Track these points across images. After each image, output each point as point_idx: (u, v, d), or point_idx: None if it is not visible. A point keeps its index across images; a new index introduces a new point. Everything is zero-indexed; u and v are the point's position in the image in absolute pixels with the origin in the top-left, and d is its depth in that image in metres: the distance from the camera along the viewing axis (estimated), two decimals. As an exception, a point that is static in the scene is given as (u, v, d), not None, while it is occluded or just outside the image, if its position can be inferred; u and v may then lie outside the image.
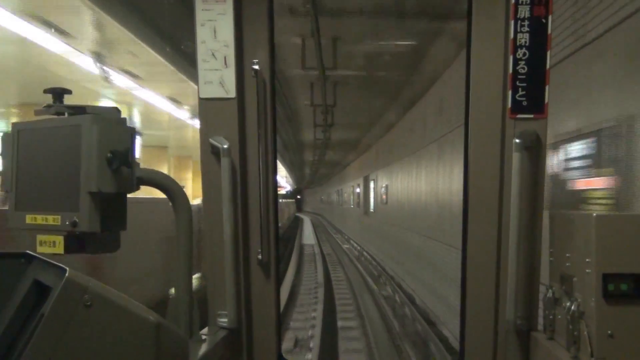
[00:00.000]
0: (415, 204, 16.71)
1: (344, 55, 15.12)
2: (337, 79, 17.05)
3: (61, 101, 3.08)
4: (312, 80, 17.20)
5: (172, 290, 3.80)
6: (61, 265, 2.35)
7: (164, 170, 29.46)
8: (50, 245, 3.05)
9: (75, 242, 3.03)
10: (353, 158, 26.08)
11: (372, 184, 22.70)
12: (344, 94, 18.12)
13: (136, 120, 24.26)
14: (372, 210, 22.94)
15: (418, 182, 16.76)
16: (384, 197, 21.99)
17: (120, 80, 17.66)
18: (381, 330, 14.26)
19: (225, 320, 4.02)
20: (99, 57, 15.27)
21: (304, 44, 13.98)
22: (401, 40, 13.56)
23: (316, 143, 25.47)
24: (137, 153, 3.30)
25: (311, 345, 13.47)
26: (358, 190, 25.46)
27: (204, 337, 3.88)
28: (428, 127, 15.63)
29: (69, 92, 3.11)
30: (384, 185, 21.87)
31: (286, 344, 13.06)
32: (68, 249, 3.02)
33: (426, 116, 16.12)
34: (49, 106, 3.08)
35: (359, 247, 23.83)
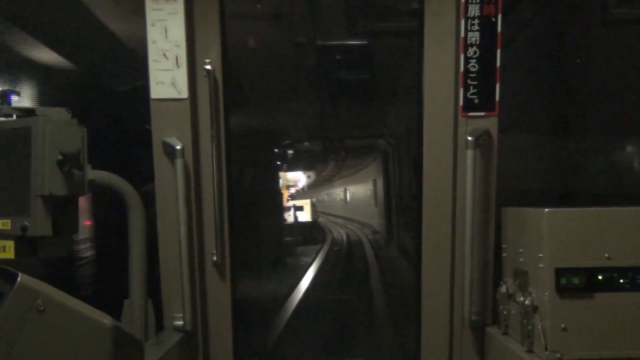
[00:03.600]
0: (362, 198, 29.74)
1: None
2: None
3: (9, 103, 3.01)
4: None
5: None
6: (13, 270, 2.31)
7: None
8: (0, 251, 2.98)
9: (26, 247, 2.97)
10: (337, 180, 41.11)
11: (347, 191, 39.20)
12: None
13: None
14: (347, 201, 39.17)
15: (361, 192, 30.78)
16: (352, 196, 36.45)
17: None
18: (352, 227, 31.90)
19: (181, 322, 3.98)
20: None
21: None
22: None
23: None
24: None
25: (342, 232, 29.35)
26: (341, 193, 42.18)
27: (159, 340, 3.84)
28: (364, 177, 27.45)
29: (17, 93, 3.05)
30: (351, 192, 36.72)
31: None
32: (19, 253, 2.96)
33: (364, 175, 27.97)
34: (-4, 109, 3.01)
35: (342, 216, 39.86)
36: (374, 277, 13.95)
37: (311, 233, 26.03)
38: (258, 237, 13.18)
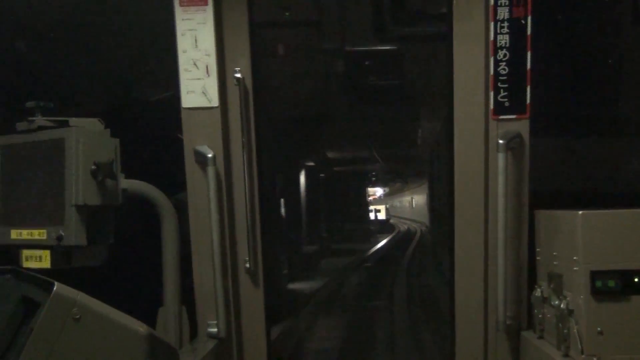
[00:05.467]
0: (422, 204, 35.24)
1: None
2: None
3: (44, 115, 3.06)
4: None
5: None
6: (49, 279, 2.34)
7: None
8: (37, 260, 3.02)
9: (62, 256, 3.01)
10: (406, 191, 48.67)
11: (413, 199, 46.38)
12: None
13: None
14: (413, 206, 46.47)
15: (421, 200, 36.63)
16: (416, 203, 43.38)
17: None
18: (414, 225, 41.16)
19: (215, 330, 4.00)
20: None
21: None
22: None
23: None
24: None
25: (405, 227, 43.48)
26: (409, 200, 49.92)
27: (194, 347, 3.86)
28: (424, 190, 31.85)
29: (50, 106, 3.10)
30: (416, 200, 43.88)
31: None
32: (54, 263, 3.00)
33: (424, 188, 32.46)
34: (31, 120, 3.06)
35: (408, 218, 48.72)
36: (414, 245, 27.27)
37: (385, 226, 43.23)
38: (356, 226, 31.52)
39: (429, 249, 21.03)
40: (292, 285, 13.68)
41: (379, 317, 11.87)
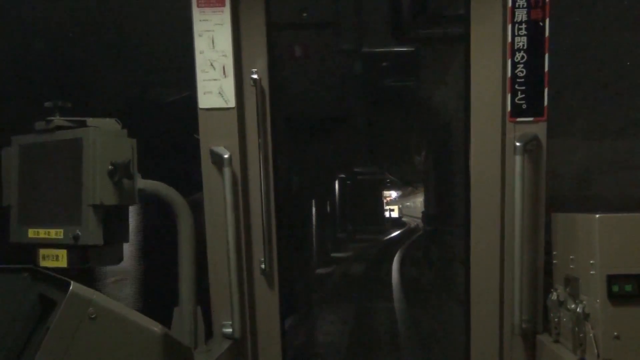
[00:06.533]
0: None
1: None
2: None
3: (62, 115, 3.07)
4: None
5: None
6: (65, 278, 2.35)
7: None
8: (53, 259, 3.04)
9: (79, 255, 3.03)
10: (418, 192, 46.41)
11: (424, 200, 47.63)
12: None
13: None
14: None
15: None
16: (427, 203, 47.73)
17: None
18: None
19: (230, 330, 4.01)
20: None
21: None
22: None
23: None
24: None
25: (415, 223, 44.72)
26: (421, 201, 45.69)
27: (209, 347, 3.87)
28: None
29: (68, 106, 3.11)
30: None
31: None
32: (71, 262, 3.02)
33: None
34: (49, 120, 3.08)
35: (418, 217, 45.43)
36: (419, 235, 31.66)
37: (397, 222, 50.01)
38: (374, 222, 39.50)
39: (427, 238, 28.12)
40: (333, 254, 22.69)
41: (385, 270, 20.64)
